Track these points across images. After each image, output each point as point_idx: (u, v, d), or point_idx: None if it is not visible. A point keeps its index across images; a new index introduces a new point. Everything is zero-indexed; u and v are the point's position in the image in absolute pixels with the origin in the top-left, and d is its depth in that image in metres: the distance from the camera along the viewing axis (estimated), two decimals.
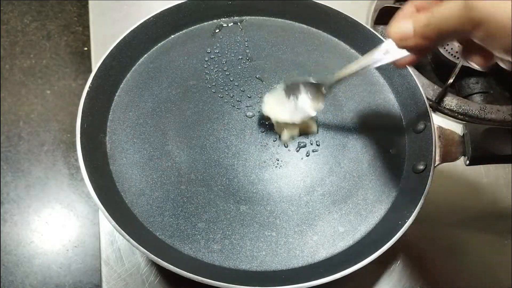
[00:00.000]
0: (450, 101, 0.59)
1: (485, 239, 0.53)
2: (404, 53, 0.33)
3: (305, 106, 0.47)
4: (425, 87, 0.59)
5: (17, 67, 1.39)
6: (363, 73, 0.38)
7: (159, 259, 0.38)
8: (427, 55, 0.67)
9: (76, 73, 1.40)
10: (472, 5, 0.26)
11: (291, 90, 0.48)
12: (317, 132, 0.50)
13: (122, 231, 0.39)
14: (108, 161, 0.47)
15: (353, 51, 0.56)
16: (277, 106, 0.48)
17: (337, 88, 0.53)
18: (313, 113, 0.47)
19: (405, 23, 0.30)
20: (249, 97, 0.52)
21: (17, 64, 1.40)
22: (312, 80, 0.46)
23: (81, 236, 1.16)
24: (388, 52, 0.35)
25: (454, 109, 0.59)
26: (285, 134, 0.48)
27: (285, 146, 0.49)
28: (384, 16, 0.65)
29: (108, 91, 0.50)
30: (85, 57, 1.42)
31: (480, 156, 0.45)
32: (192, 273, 0.38)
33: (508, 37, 0.25)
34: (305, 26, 0.58)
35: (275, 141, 0.50)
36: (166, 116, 0.50)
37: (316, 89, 0.46)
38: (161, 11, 0.52)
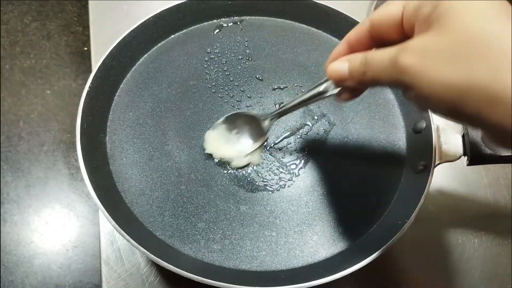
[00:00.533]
0: None
1: (485, 239, 0.53)
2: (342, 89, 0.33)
3: (247, 140, 0.48)
4: None
5: (17, 67, 1.39)
6: (303, 107, 0.40)
7: (159, 259, 0.38)
8: None
9: (76, 73, 1.39)
10: (400, 68, 0.24)
11: (232, 124, 0.48)
12: (260, 164, 0.48)
13: (122, 231, 0.39)
14: (108, 161, 0.47)
15: None
16: (218, 142, 0.48)
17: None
18: (255, 147, 0.47)
19: (341, 64, 0.29)
20: (249, 97, 0.52)
21: (17, 64, 1.40)
22: (252, 114, 0.47)
23: (81, 236, 1.15)
24: (329, 88, 0.34)
25: None
26: (233, 165, 0.48)
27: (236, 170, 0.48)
28: None
29: (108, 91, 0.50)
30: (85, 57, 1.42)
31: (480, 156, 0.45)
32: (192, 273, 0.38)
33: (443, 104, 0.23)
34: (305, 26, 0.58)
35: (274, 141, 0.50)
36: (166, 116, 0.50)
37: (257, 122, 0.47)
38: (161, 11, 0.52)
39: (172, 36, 0.55)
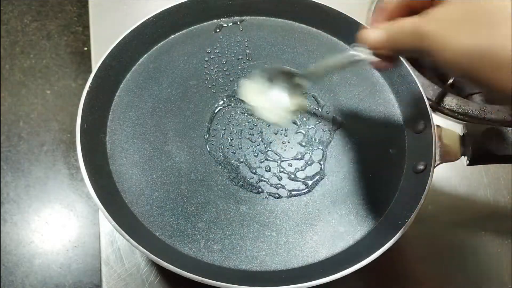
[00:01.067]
0: (450, 101, 0.59)
1: (485, 239, 0.53)
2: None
3: (284, 96, 0.46)
4: (425, 87, 0.59)
5: (17, 67, 1.39)
6: (344, 67, 0.38)
7: (159, 259, 0.38)
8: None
9: (76, 73, 1.40)
10: (421, 34, 0.26)
11: (270, 77, 0.47)
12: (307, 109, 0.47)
13: (122, 231, 0.39)
14: (108, 161, 0.47)
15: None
16: (256, 92, 0.47)
17: (337, 88, 0.53)
18: (292, 105, 0.46)
19: (374, 32, 0.31)
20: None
21: (17, 64, 1.40)
22: (290, 70, 0.46)
23: (81, 236, 1.15)
24: (365, 57, 0.35)
25: (454, 109, 0.59)
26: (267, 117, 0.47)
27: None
28: None
29: (108, 91, 0.50)
30: (85, 57, 1.42)
31: (480, 156, 0.45)
32: (192, 273, 0.38)
33: (463, 70, 0.25)
34: (305, 26, 0.58)
35: (275, 141, 0.50)
36: (166, 116, 0.50)
37: (295, 79, 0.45)
38: (161, 11, 0.52)
39: (172, 36, 0.55)
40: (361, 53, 0.34)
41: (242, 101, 0.51)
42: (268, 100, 0.47)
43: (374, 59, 0.33)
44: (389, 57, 0.33)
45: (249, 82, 0.48)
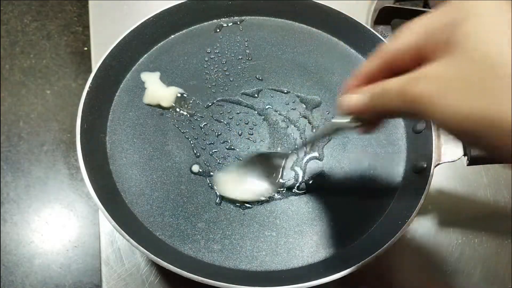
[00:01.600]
0: None
1: (485, 239, 0.52)
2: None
3: (262, 183, 0.46)
4: None
5: (17, 67, 1.39)
6: (323, 137, 0.39)
7: (159, 259, 0.38)
8: None
9: (76, 73, 1.39)
10: (409, 97, 0.23)
11: (247, 167, 0.47)
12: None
13: (122, 231, 0.39)
14: (108, 161, 0.47)
15: (353, 51, 0.56)
16: (232, 184, 0.46)
17: (337, 89, 0.53)
18: (271, 187, 0.46)
19: (356, 97, 0.28)
20: (250, 97, 0.52)
21: (17, 64, 1.40)
22: (269, 151, 0.46)
23: (81, 236, 1.15)
24: (345, 124, 0.32)
25: None
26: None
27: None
28: (384, 16, 0.64)
29: (108, 91, 0.50)
30: (85, 57, 1.42)
31: (480, 156, 0.44)
32: (192, 273, 0.38)
33: (459, 135, 0.22)
34: (305, 26, 0.58)
35: (274, 139, 0.50)
36: (166, 116, 0.50)
37: (273, 162, 0.46)
38: (161, 11, 0.52)
39: (172, 36, 0.55)
40: (344, 121, 0.31)
41: (240, 104, 0.52)
42: (245, 188, 0.46)
43: (356, 125, 0.31)
44: (372, 121, 0.30)
45: (222, 174, 0.47)
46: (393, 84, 0.25)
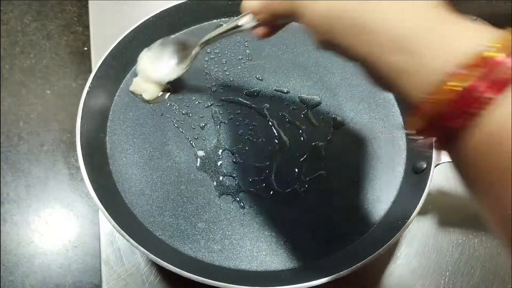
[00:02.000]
0: None
1: (485, 239, 0.52)
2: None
3: (172, 66, 0.49)
4: None
5: (17, 67, 1.39)
6: (225, 36, 0.43)
7: (159, 259, 0.38)
8: None
9: (76, 73, 1.39)
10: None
11: (166, 47, 0.49)
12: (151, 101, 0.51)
13: (122, 231, 0.39)
14: (108, 161, 0.47)
15: None
16: (152, 64, 0.49)
17: (337, 88, 0.53)
18: (178, 73, 0.49)
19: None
20: (250, 97, 0.52)
21: (17, 64, 1.39)
22: (181, 39, 0.49)
23: (81, 236, 1.15)
24: (246, 23, 0.36)
25: None
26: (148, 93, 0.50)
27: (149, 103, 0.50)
28: None
29: (108, 91, 0.50)
30: (85, 57, 1.42)
31: None
32: (192, 273, 0.38)
33: (318, 35, 0.25)
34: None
35: (274, 139, 0.50)
36: (166, 116, 0.50)
37: (185, 49, 0.48)
38: (161, 11, 0.52)
39: (172, 36, 0.55)
40: (244, 20, 0.36)
41: (237, 102, 0.52)
42: (155, 66, 0.49)
43: (253, 24, 0.35)
44: (269, 24, 0.34)
45: (146, 51, 0.49)
46: None
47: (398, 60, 0.21)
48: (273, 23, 0.34)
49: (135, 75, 0.51)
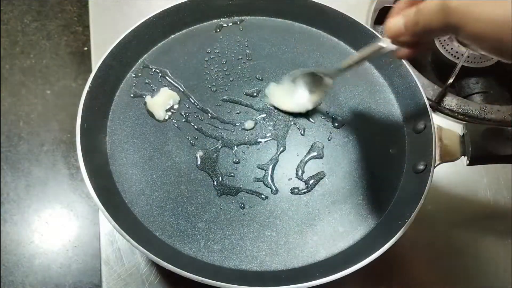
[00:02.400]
0: (450, 101, 0.59)
1: (485, 239, 0.53)
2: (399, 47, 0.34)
3: (305, 97, 0.50)
4: (425, 87, 0.59)
5: (17, 67, 1.39)
6: (364, 62, 0.44)
7: (159, 259, 0.38)
8: (427, 55, 0.67)
9: (76, 73, 1.39)
10: (448, 9, 0.25)
11: (297, 81, 0.51)
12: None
13: (122, 231, 0.39)
14: (108, 161, 0.47)
15: (353, 51, 0.56)
16: (282, 96, 0.51)
17: (337, 88, 0.53)
18: (313, 101, 0.50)
19: (396, 19, 0.31)
20: (249, 97, 0.52)
21: (17, 64, 1.40)
22: (316, 71, 0.48)
23: (81, 236, 1.15)
24: (386, 46, 0.36)
25: (454, 109, 0.59)
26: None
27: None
28: (384, 16, 0.65)
29: (108, 91, 0.50)
30: (85, 57, 1.42)
31: (480, 156, 0.45)
32: (192, 273, 0.38)
33: (490, 42, 0.24)
34: (305, 26, 0.58)
35: (274, 139, 0.50)
36: (166, 116, 0.50)
37: (319, 81, 0.48)
38: (161, 11, 0.52)
39: (172, 36, 0.55)
40: (387, 43, 0.35)
41: (239, 102, 0.52)
42: (291, 101, 0.51)
43: (398, 48, 0.33)
44: (414, 43, 0.32)
45: (274, 85, 0.52)
46: (433, 2, 0.27)
47: None
48: (421, 42, 0.32)
49: (150, 91, 0.51)
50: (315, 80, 0.49)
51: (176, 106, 0.51)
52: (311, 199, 0.47)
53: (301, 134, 0.50)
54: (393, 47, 0.34)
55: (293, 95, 0.51)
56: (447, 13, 0.25)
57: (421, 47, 0.34)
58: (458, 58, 0.59)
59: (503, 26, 0.22)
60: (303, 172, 0.48)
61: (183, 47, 0.55)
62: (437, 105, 0.60)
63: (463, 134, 0.46)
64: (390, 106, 0.53)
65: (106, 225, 0.50)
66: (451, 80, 0.57)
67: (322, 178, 0.48)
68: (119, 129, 0.49)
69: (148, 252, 0.38)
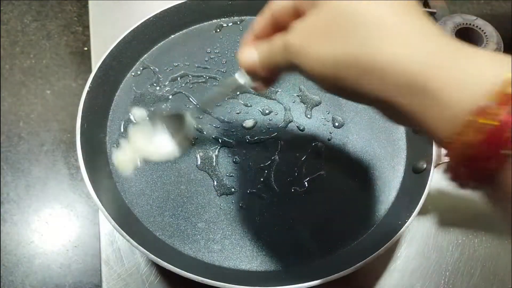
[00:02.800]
0: None
1: (485, 239, 0.52)
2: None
3: (171, 141, 0.42)
4: None
5: (17, 67, 1.39)
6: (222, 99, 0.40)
7: (159, 259, 0.38)
8: None
9: (76, 73, 1.39)
10: (288, 48, 0.24)
11: (157, 122, 0.43)
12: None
13: (122, 231, 0.39)
14: (108, 161, 0.47)
15: None
16: (143, 140, 0.43)
17: None
18: (178, 153, 0.42)
19: (250, 52, 0.29)
20: (249, 97, 0.52)
21: (17, 64, 1.40)
22: (175, 112, 0.43)
23: (81, 236, 1.15)
24: (244, 83, 0.32)
25: None
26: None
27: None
28: None
29: (108, 91, 0.50)
30: (85, 57, 1.42)
31: None
32: (192, 273, 0.38)
33: (327, 81, 0.24)
34: None
35: (274, 139, 0.50)
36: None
37: (181, 119, 0.42)
38: (161, 11, 0.52)
39: (172, 36, 0.55)
40: (242, 78, 0.32)
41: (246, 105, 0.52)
42: (153, 144, 0.42)
43: (253, 83, 0.31)
44: (267, 78, 0.30)
45: (135, 128, 0.44)
46: (278, 39, 0.26)
47: (418, 101, 0.20)
48: (271, 78, 0.31)
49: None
50: (179, 122, 0.42)
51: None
52: (311, 199, 0.47)
53: (301, 134, 0.50)
54: (251, 84, 0.31)
55: (153, 139, 0.42)
56: (289, 52, 0.25)
57: (275, 80, 0.32)
58: None
59: (336, 65, 0.22)
60: (303, 172, 0.48)
61: (183, 47, 0.55)
62: None
63: None
64: None
65: (106, 225, 0.50)
66: None
67: (322, 178, 0.48)
68: (119, 129, 0.49)
69: (148, 252, 0.38)
